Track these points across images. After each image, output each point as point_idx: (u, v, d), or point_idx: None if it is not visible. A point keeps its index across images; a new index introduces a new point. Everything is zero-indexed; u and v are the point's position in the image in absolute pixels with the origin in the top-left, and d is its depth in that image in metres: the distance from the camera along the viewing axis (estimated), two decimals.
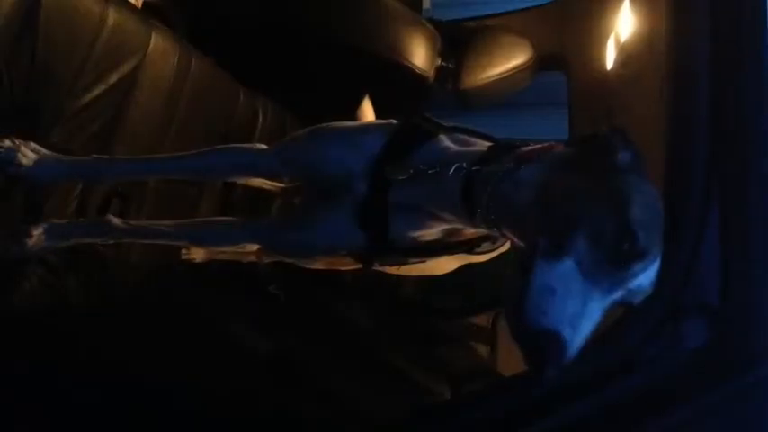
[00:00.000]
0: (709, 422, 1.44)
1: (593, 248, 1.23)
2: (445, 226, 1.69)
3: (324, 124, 1.85)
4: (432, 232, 1.71)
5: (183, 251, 2.69)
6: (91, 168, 2.06)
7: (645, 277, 1.28)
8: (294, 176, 2.12)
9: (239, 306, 2.79)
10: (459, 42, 3.47)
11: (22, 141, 1.96)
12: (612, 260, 1.24)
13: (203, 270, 2.76)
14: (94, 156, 2.07)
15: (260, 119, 3.12)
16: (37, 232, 2.01)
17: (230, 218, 2.12)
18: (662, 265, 1.29)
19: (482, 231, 1.63)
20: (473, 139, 1.69)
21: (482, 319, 3.62)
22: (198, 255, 2.71)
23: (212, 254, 2.72)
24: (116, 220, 2.07)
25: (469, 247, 1.75)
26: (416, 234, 1.71)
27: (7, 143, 1.92)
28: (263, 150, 1.96)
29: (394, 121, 1.79)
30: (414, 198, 1.65)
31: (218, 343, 2.40)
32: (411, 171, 1.62)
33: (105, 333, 2.15)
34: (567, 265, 1.22)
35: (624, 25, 2.65)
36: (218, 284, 2.81)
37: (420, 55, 3.22)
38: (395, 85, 3.28)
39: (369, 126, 1.98)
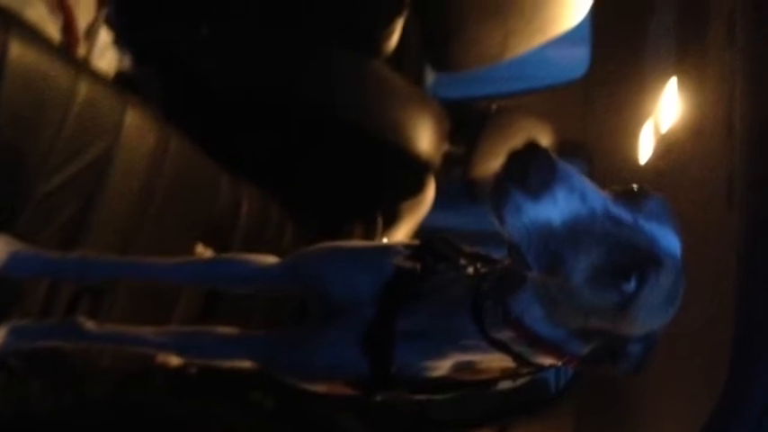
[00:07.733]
0: None
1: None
2: (456, 356, 1.67)
3: (342, 243, 1.98)
4: (441, 365, 1.70)
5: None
6: (75, 267, 2.02)
7: None
8: (301, 292, 2.11)
9: (221, 415, 2.71)
10: (469, 125, 3.41)
11: None
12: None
13: (180, 374, 2.68)
14: (80, 253, 2.05)
15: (243, 207, 3.10)
16: None
17: (224, 329, 2.07)
18: None
19: (498, 364, 1.62)
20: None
21: None
22: (174, 358, 2.61)
23: None
24: (89, 324, 2.01)
25: (485, 387, 1.75)
26: (424, 364, 1.69)
27: None
28: (275, 265, 1.99)
29: (414, 243, 1.82)
30: (423, 324, 1.65)
31: None
32: (421, 297, 1.65)
33: None
34: None
35: (666, 112, 2.59)
36: (196, 391, 2.71)
37: (425, 138, 3.13)
38: (394, 172, 3.22)
39: (385, 248, 2.01)
